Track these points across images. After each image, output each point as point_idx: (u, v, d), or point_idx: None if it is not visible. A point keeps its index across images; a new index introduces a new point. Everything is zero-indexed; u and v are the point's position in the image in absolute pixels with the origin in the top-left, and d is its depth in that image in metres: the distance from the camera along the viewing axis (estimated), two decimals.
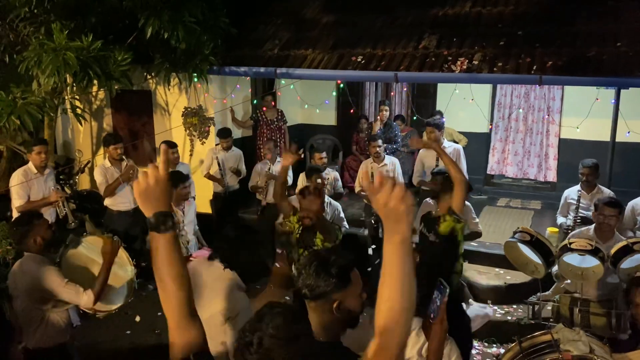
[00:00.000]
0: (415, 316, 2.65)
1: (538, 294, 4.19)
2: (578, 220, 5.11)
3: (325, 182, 5.53)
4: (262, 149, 7.92)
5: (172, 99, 7.77)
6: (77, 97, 6.48)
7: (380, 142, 6.33)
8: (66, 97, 6.16)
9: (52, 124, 6.58)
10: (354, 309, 1.92)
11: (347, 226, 5.53)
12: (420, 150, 6.65)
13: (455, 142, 7.29)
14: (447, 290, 2.01)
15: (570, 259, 3.83)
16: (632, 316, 2.66)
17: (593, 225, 4.22)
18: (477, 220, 5.11)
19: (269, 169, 6.69)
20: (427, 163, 6.31)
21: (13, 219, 3.53)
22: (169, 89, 7.50)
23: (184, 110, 7.50)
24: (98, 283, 3.32)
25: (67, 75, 5.67)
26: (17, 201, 5.04)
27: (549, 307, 4.27)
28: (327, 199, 5.45)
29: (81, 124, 7.04)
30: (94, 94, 7.76)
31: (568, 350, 2.67)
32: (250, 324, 1.57)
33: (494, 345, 5.40)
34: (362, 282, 1.98)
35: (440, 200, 4.22)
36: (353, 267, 1.96)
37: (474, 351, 5.30)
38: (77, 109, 6.25)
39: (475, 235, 5.02)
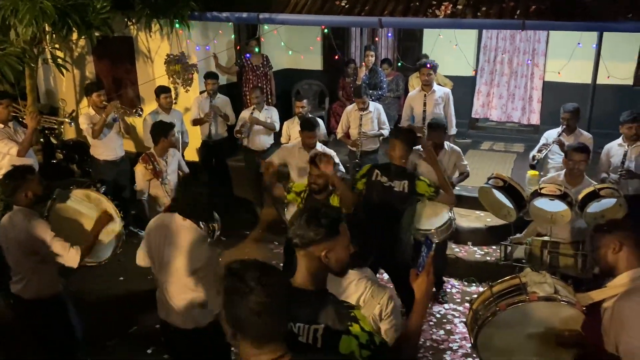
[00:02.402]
0: (355, 269, 2.84)
1: (510, 236, 4.37)
2: (542, 150, 5.29)
3: (319, 136, 5.54)
4: (248, 96, 7.92)
5: (154, 46, 7.65)
6: (57, 46, 6.36)
7: (365, 97, 6.34)
8: (46, 47, 6.06)
9: (33, 74, 6.50)
10: (342, 258, 2.07)
11: (343, 170, 5.61)
12: (409, 94, 6.69)
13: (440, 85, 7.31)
14: (434, 245, 2.14)
15: (541, 203, 3.97)
16: (594, 259, 2.82)
17: (564, 171, 4.36)
18: (466, 162, 5.29)
19: (252, 113, 6.72)
20: (415, 108, 6.38)
21: (5, 173, 3.55)
22: (150, 36, 7.38)
23: (166, 57, 7.40)
24: (84, 247, 3.42)
25: (46, 25, 5.56)
26: (12, 151, 5.08)
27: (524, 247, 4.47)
28: (319, 146, 5.52)
29: (63, 74, 6.95)
30: (74, 41, 7.62)
31: (535, 292, 2.85)
32: (228, 275, 1.64)
33: (474, 284, 5.66)
34: (349, 235, 2.11)
35: (401, 150, 4.20)
36: (343, 220, 2.09)
37: (454, 290, 5.57)
38: (58, 59, 6.16)
39: (465, 176, 5.29)
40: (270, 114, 6.83)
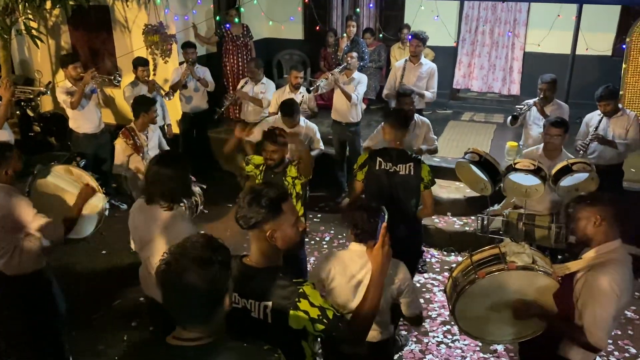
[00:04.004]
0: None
1: (487, 209, 4.45)
2: (524, 107, 5.33)
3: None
4: (226, 65, 7.84)
5: (132, 15, 7.47)
6: (30, 16, 6.17)
7: (355, 54, 6.24)
8: (19, 17, 5.87)
9: (7, 45, 6.33)
10: (288, 236, 2.09)
11: (322, 147, 5.56)
12: (395, 64, 6.62)
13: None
14: (385, 215, 2.16)
15: (515, 177, 4.06)
16: (571, 230, 2.90)
17: (542, 145, 4.44)
18: (435, 137, 5.32)
19: (242, 87, 6.62)
20: (397, 78, 6.32)
21: None
22: (127, 5, 7.20)
23: (144, 27, 7.24)
24: (68, 222, 3.39)
25: None
26: None
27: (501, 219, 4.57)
28: (303, 120, 5.47)
29: (38, 46, 6.75)
30: (48, 11, 7.40)
31: (513, 261, 2.92)
32: (174, 246, 1.64)
33: (453, 254, 5.78)
34: (297, 212, 2.14)
35: (393, 133, 4.02)
36: (286, 199, 2.09)
37: (433, 259, 5.69)
38: (32, 30, 5.98)
39: (433, 151, 5.28)
40: (266, 89, 6.59)
